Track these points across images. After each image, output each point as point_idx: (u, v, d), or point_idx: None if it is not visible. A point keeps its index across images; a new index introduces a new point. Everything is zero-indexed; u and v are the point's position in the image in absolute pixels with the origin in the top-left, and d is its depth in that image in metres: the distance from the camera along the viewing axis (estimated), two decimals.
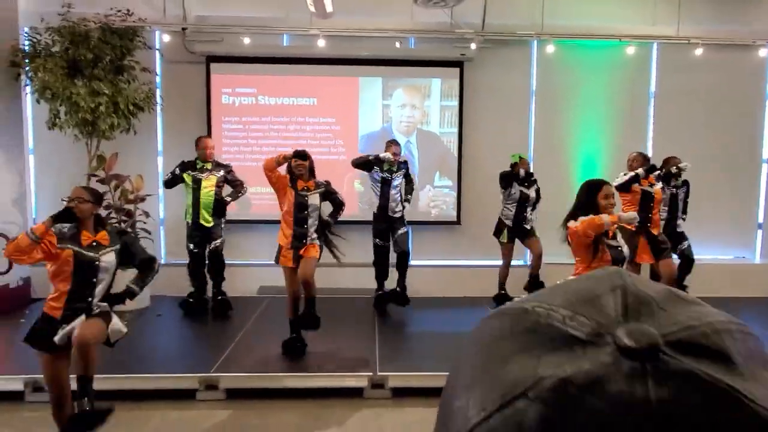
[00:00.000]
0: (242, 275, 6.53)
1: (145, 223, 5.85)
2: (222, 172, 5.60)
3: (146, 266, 3.29)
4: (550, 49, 6.51)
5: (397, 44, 6.50)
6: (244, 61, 6.56)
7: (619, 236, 3.31)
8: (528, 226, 5.93)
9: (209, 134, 6.25)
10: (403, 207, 5.81)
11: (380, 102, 6.76)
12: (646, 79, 6.96)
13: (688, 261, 5.94)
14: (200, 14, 6.49)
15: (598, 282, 0.36)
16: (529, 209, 5.93)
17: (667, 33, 6.57)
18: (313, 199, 4.47)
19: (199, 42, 6.48)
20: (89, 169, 5.80)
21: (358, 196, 6.81)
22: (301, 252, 4.45)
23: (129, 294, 3.24)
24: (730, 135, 6.92)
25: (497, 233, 6.04)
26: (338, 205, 4.69)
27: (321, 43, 6.27)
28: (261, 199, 6.60)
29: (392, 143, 5.73)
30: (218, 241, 5.61)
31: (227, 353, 4.57)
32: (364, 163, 5.64)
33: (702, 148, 6.57)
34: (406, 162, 5.93)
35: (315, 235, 4.49)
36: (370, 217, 6.56)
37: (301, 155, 4.41)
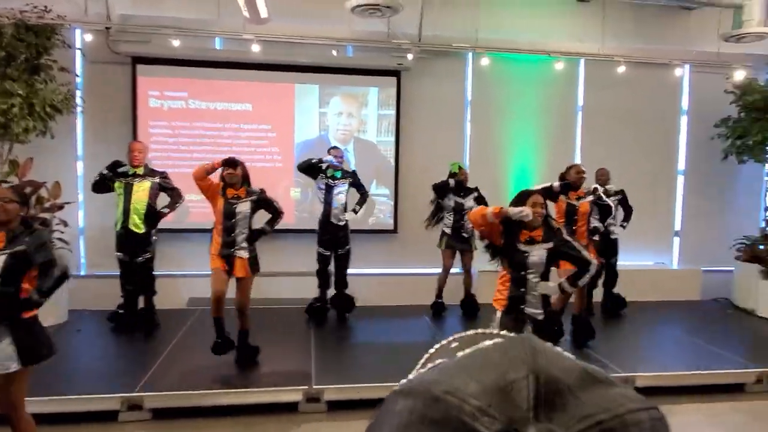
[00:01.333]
0: (172, 287, 6.23)
1: (62, 232, 5.46)
2: (157, 179, 5.31)
3: (45, 272, 2.85)
4: (485, 61, 6.67)
5: (334, 52, 6.46)
6: (173, 64, 6.30)
7: (539, 247, 3.29)
8: (466, 235, 6.03)
9: (135, 138, 5.95)
10: (356, 211, 5.78)
11: (317, 110, 6.68)
12: (574, 93, 7.27)
13: (614, 274, 6.25)
14: (125, 13, 6.18)
15: (511, 362, 0.34)
16: (467, 219, 6.02)
17: (592, 50, 6.90)
18: (242, 207, 4.33)
19: (125, 42, 6.17)
20: (0, 175, 5.36)
21: (295, 204, 6.68)
22: (235, 273, 4.31)
23: (27, 303, 2.81)
24: (650, 148, 7.34)
25: (439, 242, 6.14)
26: (275, 213, 4.57)
27: (255, 48, 6.12)
28: (194, 207, 6.35)
29: (334, 149, 5.77)
30: (148, 254, 5.30)
31: (153, 370, 4.33)
32: (309, 167, 5.55)
33: (625, 159, 6.92)
34: (354, 172, 5.88)
35: (245, 244, 4.34)
36: (307, 226, 6.48)
37: (231, 163, 4.27)
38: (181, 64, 6.31)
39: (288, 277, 6.49)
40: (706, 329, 5.90)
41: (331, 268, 5.81)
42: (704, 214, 7.48)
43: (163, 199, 5.37)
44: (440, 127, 6.94)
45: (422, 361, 0.45)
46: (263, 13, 5.09)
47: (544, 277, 3.30)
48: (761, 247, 6.68)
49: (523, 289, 3.25)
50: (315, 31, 6.38)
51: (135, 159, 5.19)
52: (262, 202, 4.47)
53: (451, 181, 5.97)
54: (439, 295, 6.18)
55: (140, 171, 5.23)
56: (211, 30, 6.24)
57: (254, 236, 4.43)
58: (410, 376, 0.40)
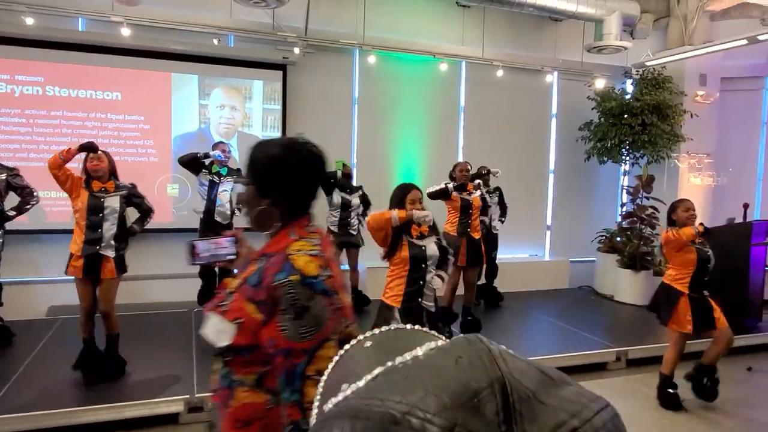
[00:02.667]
0: (27, 295, 5.55)
1: None
2: (4, 176, 4.63)
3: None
4: (372, 59, 6.71)
5: (215, 41, 6.11)
6: (26, 44, 5.59)
7: (429, 240, 3.38)
8: (353, 231, 6.02)
9: None
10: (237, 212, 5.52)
11: (197, 101, 6.29)
12: (457, 94, 7.56)
13: (495, 267, 6.61)
14: None
15: (471, 371, 0.31)
16: (353, 215, 6.01)
17: (473, 54, 7.22)
18: (111, 201, 3.93)
19: None
20: None
21: (173, 201, 6.25)
22: (100, 274, 3.91)
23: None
24: (526, 148, 7.86)
25: None
26: (145, 211, 4.21)
27: (125, 32, 5.62)
28: (52, 206, 5.69)
29: (220, 143, 5.48)
30: None
31: (6, 389, 3.79)
32: (191, 161, 5.22)
33: (504, 158, 7.33)
34: (239, 170, 5.57)
35: (112, 242, 3.94)
36: (186, 224, 6.10)
37: (89, 148, 3.83)
38: (37, 45, 5.61)
39: (167, 279, 6.07)
40: (573, 315, 6.42)
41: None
42: (571, 209, 8.16)
43: (12, 199, 4.71)
44: (328, 124, 6.87)
45: (329, 368, 0.39)
46: None
47: (439, 267, 3.39)
48: (618, 239, 7.41)
49: (421, 282, 3.31)
50: (194, 18, 6.01)
51: None
52: (133, 197, 4.09)
53: (338, 173, 5.94)
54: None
55: None
56: (71, 9, 5.62)
57: (123, 235, 4.05)
58: (347, 391, 0.34)
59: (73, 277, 3.97)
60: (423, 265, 3.30)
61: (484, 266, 6.02)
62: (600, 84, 7.48)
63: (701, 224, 4.00)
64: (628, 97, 7.39)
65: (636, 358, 5.13)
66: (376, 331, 0.41)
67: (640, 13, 7.13)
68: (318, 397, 0.38)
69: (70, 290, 5.31)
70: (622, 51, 6.93)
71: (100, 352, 4.11)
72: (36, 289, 5.71)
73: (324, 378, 0.39)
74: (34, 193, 4.73)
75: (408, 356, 0.35)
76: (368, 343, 0.39)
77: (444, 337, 0.40)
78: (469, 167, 5.52)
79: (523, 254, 7.95)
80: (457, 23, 7.26)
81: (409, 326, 0.41)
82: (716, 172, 7.74)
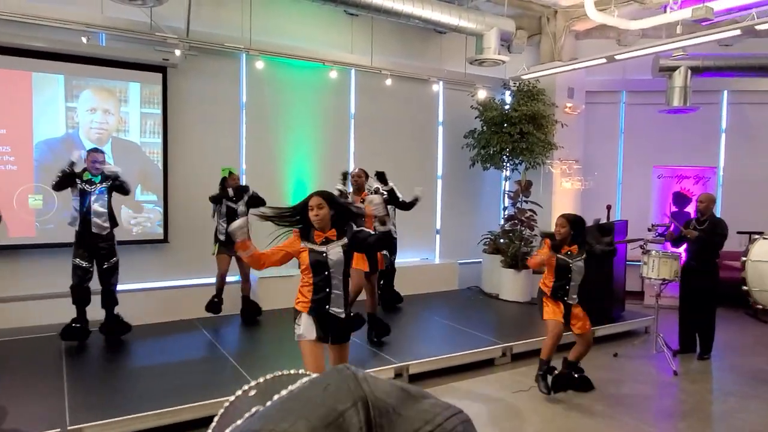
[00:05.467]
0: None
1: None
2: None
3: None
4: (260, 64, 6.55)
5: (84, 39, 5.60)
6: None
7: (334, 245, 3.33)
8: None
9: None
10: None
11: (62, 103, 5.73)
12: (347, 101, 7.61)
13: (393, 270, 6.71)
14: None
15: (337, 395, 0.34)
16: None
17: (362, 62, 7.31)
18: None
19: None
20: None
21: (36, 213, 5.64)
22: None
23: None
24: (415, 154, 8.08)
25: (214, 246, 5.85)
26: None
27: None
28: None
29: (93, 152, 5.06)
30: None
31: None
32: (64, 181, 4.83)
33: (393, 164, 7.46)
34: (117, 175, 5.11)
35: None
36: (53, 239, 5.58)
37: None
38: None
39: (31, 301, 5.48)
40: (463, 314, 6.71)
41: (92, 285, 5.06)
42: (458, 213, 8.53)
43: None
44: (214, 129, 6.59)
45: (217, 417, 0.41)
46: None
47: (345, 275, 3.33)
48: (501, 240, 7.87)
49: (327, 289, 3.25)
50: (58, 13, 5.48)
51: None
52: None
53: (230, 191, 5.79)
54: (217, 294, 5.90)
55: None
56: None
57: None
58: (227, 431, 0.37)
59: None
60: (326, 272, 3.26)
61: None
62: (482, 94, 7.91)
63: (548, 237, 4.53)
64: (507, 107, 7.89)
65: (520, 353, 5.46)
66: (261, 379, 0.45)
67: (516, 29, 7.64)
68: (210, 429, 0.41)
69: None
70: (501, 64, 7.38)
71: None
72: None
73: (212, 425, 0.43)
74: None
75: (284, 392, 0.38)
76: (252, 392, 0.43)
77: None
78: (362, 174, 5.56)
79: (415, 258, 8.17)
80: (347, 31, 7.32)
81: (292, 371, 0.46)
82: (584, 177, 8.50)
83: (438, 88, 8.13)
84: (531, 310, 6.95)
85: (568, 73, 7.72)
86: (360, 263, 5.17)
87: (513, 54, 8.00)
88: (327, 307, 3.28)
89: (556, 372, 4.58)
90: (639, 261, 5.93)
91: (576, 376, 4.61)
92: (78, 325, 5.02)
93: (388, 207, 5.60)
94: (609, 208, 6.55)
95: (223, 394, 3.82)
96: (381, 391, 0.35)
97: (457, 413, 0.37)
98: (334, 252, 3.26)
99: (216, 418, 0.43)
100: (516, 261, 7.51)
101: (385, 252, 5.81)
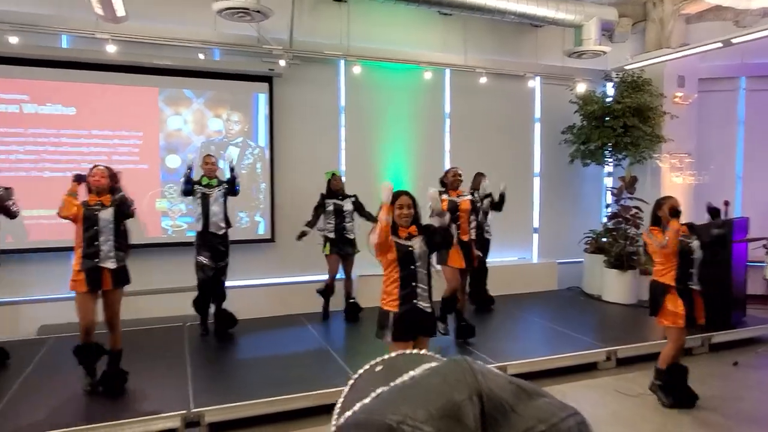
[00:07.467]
0: (16, 315, 5.51)
1: None
2: None
3: None
4: (357, 69, 6.78)
5: (201, 55, 6.13)
6: (11, 63, 5.56)
7: (416, 240, 3.43)
8: (350, 236, 6.07)
9: None
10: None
11: (184, 114, 6.30)
12: (441, 101, 7.65)
13: (485, 270, 6.66)
14: None
15: (455, 386, 0.36)
16: (348, 219, 6.07)
17: (456, 61, 7.32)
18: (105, 214, 3.97)
19: None
20: None
21: (162, 215, 6.24)
22: (104, 286, 3.96)
23: None
24: (510, 152, 7.96)
25: (323, 246, 6.11)
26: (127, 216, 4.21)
27: (111, 48, 5.63)
28: (38, 224, 5.66)
29: (208, 157, 5.51)
30: None
31: None
32: (188, 186, 5.33)
33: (490, 163, 7.40)
34: (232, 180, 5.55)
35: (111, 254, 3.98)
36: (175, 240, 6.14)
37: (80, 178, 4.02)
38: (21, 63, 5.59)
39: (159, 295, 6.07)
40: (563, 316, 6.51)
41: None
42: (557, 211, 8.27)
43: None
44: (315, 134, 6.92)
45: (344, 395, 0.44)
46: (120, 11, 4.68)
47: (428, 270, 3.44)
48: (604, 239, 7.53)
49: (413, 284, 3.36)
50: (179, 33, 6.03)
51: None
52: (123, 206, 4.09)
53: (330, 202, 6.04)
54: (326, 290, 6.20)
55: None
56: (55, 26, 5.62)
57: (122, 247, 4.10)
58: (355, 408, 0.40)
59: (72, 294, 4.00)
60: (412, 266, 3.37)
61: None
62: (581, 88, 7.62)
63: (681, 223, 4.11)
64: (609, 100, 7.53)
65: (626, 357, 5.22)
66: (386, 356, 0.47)
67: (618, 17, 7.28)
68: (336, 414, 0.43)
69: (61, 309, 5.32)
70: (602, 55, 7.06)
71: (100, 346, 4.11)
72: (25, 309, 5.66)
73: (341, 398, 0.44)
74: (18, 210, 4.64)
75: (406, 377, 0.41)
76: (379, 368, 0.45)
77: (439, 357, 0.46)
78: (460, 173, 5.61)
79: (512, 257, 8.04)
80: (440, 31, 7.36)
81: (414, 351, 0.47)
82: (697, 171, 7.91)
83: (534, 83, 7.93)
84: (637, 312, 6.60)
85: (678, 60, 7.22)
86: (456, 260, 5.20)
87: (615, 43, 7.63)
88: (414, 301, 3.38)
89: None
90: (762, 262, 5.44)
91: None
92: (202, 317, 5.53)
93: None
94: (727, 204, 6.06)
95: (326, 386, 4.05)
96: (496, 385, 0.37)
97: (573, 414, 0.37)
98: (419, 246, 3.40)
99: (345, 390, 0.45)
100: (621, 261, 7.16)
101: (478, 252, 5.81)
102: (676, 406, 4.21)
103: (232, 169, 5.51)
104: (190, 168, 5.36)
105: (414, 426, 0.34)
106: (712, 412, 4.20)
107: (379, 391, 0.41)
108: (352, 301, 6.23)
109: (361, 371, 0.47)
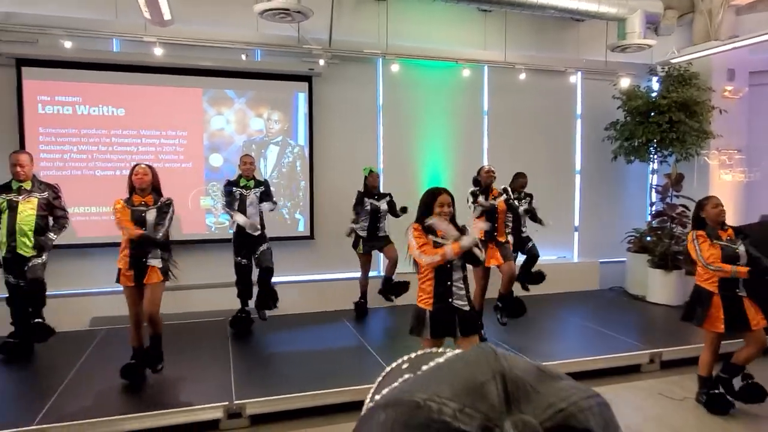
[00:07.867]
0: (69, 307, 5.77)
1: None
2: (46, 194, 4.72)
3: None
4: (395, 67, 6.80)
5: (243, 56, 6.28)
6: (65, 66, 5.83)
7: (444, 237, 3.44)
8: (382, 234, 6.12)
9: (23, 148, 5.45)
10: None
11: (226, 114, 6.46)
12: (480, 98, 7.59)
13: (532, 257, 6.53)
14: (7, 11, 5.65)
15: (478, 367, 0.39)
16: (382, 219, 6.12)
17: (495, 58, 7.25)
18: (150, 215, 4.14)
19: (7, 42, 5.63)
20: None
21: (205, 214, 6.42)
22: (145, 281, 4.12)
23: None
24: (550, 149, 7.83)
25: (355, 245, 6.14)
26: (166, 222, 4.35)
27: (158, 51, 5.82)
28: (87, 220, 5.91)
29: (246, 156, 5.62)
30: (38, 262, 4.67)
31: (53, 400, 3.97)
32: (229, 197, 5.44)
33: (529, 160, 7.32)
34: (266, 181, 5.73)
35: (158, 252, 4.17)
36: (218, 237, 6.30)
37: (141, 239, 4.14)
38: (74, 66, 5.85)
39: (203, 289, 6.25)
40: (605, 316, 6.37)
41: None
42: (599, 210, 8.09)
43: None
44: (354, 132, 6.98)
45: (375, 386, 0.47)
46: (166, 14, 4.85)
47: (463, 269, 3.44)
48: (648, 238, 7.33)
49: (449, 282, 3.37)
50: (222, 35, 6.19)
51: (20, 174, 4.60)
52: (164, 208, 4.25)
53: (368, 202, 6.06)
54: (362, 296, 6.24)
55: (27, 185, 4.68)
56: (106, 31, 5.85)
57: (167, 246, 4.27)
58: (384, 391, 0.43)
59: (120, 287, 4.21)
60: (448, 265, 3.37)
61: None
62: (625, 83, 7.42)
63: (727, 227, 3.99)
64: (654, 95, 7.31)
65: (670, 360, 5.07)
66: (412, 354, 0.50)
67: (664, 9, 7.06)
68: (368, 399, 0.46)
69: (112, 302, 5.54)
70: (647, 49, 6.86)
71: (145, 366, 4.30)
72: (77, 302, 5.92)
73: (374, 387, 0.48)
74: (67, 216, 4.86)
75: (432, 363, 0.44)
76: (405, 365, 0.48)
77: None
78: (493, 170, 5.55)
79: (552, 256, 7.91)
80: (479, 28, 7.29)
81: (440, 349, 0.49)
82: (748, 168, 7.60)
83: (575, 79, 7.78)
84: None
85: (727, 53, 6.95)
86: (496, 258, 5.22)
87: (661, 36, 7.40)
88: (450, 300, 3.37)
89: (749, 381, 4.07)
90: None
91: (747, 382, 4.13)
92: (243, 315, 5.65)
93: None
94: None
95: (363, 382, 4.09)
96: (519, 368, 0.39)
97: (593, 395, 0.39)
98: None
99: (378, 380, 0.48)
100: (665, 260, 6.95)
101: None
102: (745, 401, 4.07)
103: (267, 185, 5.68)
104: (228, 181, 5.54)
105: (440, 402, 0.36)
106: (764, 420, 4.04)
107: (406, 376, 0.44)
108: (394, 281, 6.16)
109: (389, 368, 0.49)
